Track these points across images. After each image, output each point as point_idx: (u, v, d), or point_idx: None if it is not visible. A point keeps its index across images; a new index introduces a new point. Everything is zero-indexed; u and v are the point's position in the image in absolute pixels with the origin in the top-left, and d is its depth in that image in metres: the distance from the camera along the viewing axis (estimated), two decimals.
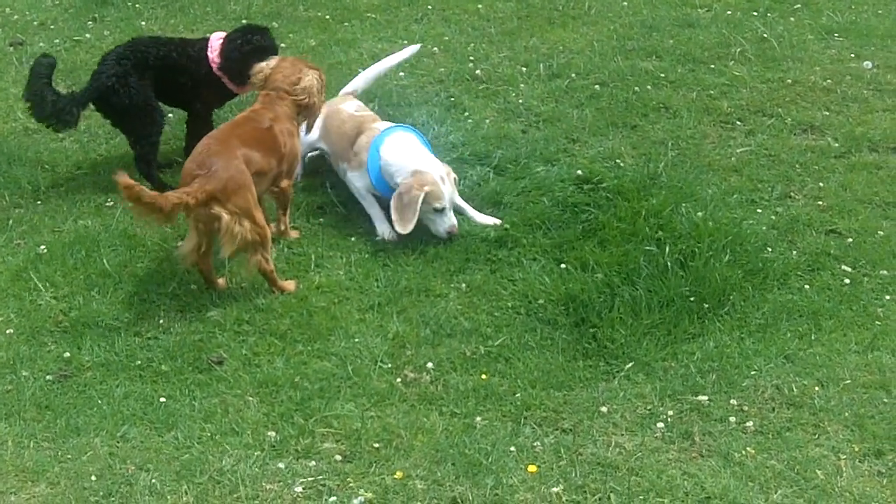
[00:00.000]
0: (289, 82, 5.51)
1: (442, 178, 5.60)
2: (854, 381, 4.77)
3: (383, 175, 5.72)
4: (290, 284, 5.35)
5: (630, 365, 4.88)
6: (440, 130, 6.47)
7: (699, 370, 4.84)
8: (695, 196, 5.88)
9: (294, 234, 5.76)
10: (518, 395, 4.72)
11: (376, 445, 4.45)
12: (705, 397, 4.69)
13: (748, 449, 4.41)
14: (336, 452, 4.42)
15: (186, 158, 5.36)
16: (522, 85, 7.14)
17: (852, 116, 6.83)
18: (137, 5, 8.34)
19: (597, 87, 7.10)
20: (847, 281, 5.41)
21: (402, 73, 7.21)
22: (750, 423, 4.54)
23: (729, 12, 8.13)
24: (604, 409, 4.64)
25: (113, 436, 4.52)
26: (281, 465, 4.35)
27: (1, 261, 5.61)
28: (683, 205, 5.73)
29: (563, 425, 4.56)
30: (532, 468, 4.30)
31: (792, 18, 8.05)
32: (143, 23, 8.08)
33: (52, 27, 8.13)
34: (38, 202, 6.11)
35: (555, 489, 4.20)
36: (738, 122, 6.77)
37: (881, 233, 5.75)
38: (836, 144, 6.54)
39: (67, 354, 4.97)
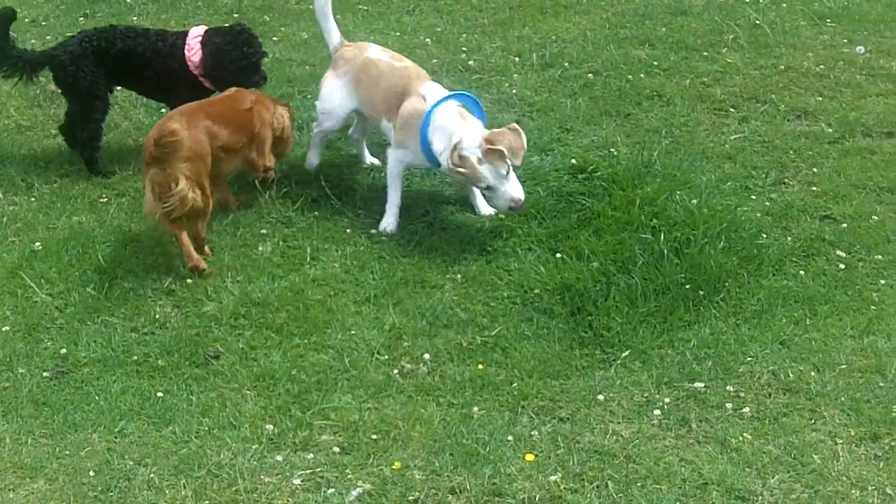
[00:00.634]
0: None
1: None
2: (850, 366, 4.78)
3: (432, 139, 5.46)
4: (203, 264, 5.36)
5: (626, 353, 4.89)
6: None
7: (695, 357, 4.85)
8: (689, 183, 5.88)
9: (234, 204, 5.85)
10: (515, 384, 4.73)
11: (374, 437, 4.45)
12: (701, 384, 4.70)
13: (745, 435, 4.42)
14: (334, 444, 4.43)
15: None
16: (516, 75, 7.13)
17: (846, 102, 6.83)
18: (129, 0, 8.32)
19: (590, 76, 7.10)
20: (842, 266, 5.42)
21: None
22: (746, 409, 4.56)
23: None
24: (601, 397, 4.65)
25: (111, 431, 4.52)
26: (279, 458, 4.36)
27: None
28: (678, 192, 5.74)
29: (561, 414, 4.57)
30: (530, 457, 4.31)
31: (784, 4, 8.04)
32: (135, 18, 8.06)
33: (43, 23, 8.10)
34: (32, 199, 6.09)
35: (552, 477, 4.21)
36: (732, 109, 6.77)
37: (875, 217, 5.76)
38: (830, 130, 6.54)
39: (64, 351, 4.97)
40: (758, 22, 7.73)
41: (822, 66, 7.20)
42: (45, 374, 4.85)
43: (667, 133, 6.48)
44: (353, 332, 5.03)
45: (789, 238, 5.61)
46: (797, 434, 4.43)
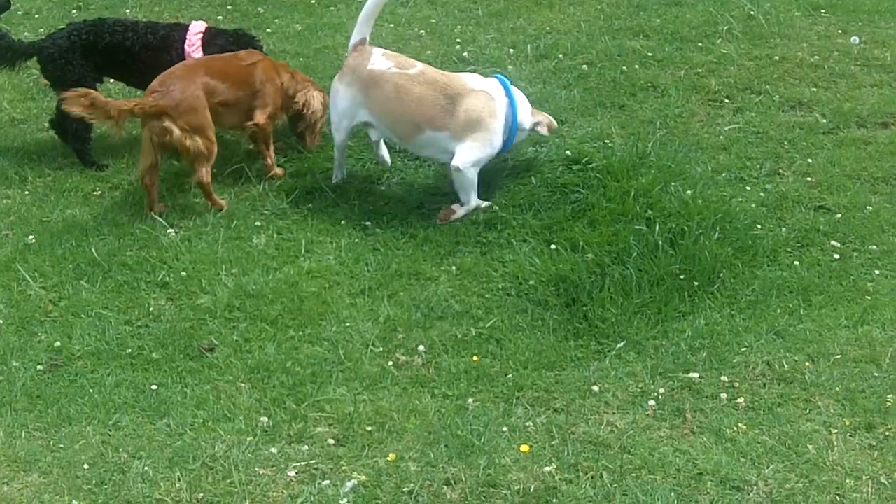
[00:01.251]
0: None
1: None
2: (844, 356, 4.79)
3: (522, 120, 5.71)
4: (222, 201, 5.81)
5: (621, 344, 4.89)
6: None
7: (690, 348, 4.85)
8: (684, 174, 5.87)
9: (279, 171, 6.05)
10: (510, 375, 4.73)
11: (369, 429, 4.45)
12: (696, 374, 4.70)
13: (740, 425, 4.43)
14: (329, 436, 4.43)
15: None
16: (510, 66, 7.11)
17: (840, 92, 6.82)
18: None
19: (584, 67, 7.09)
20: (836, 256, 5.42)
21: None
22: (741, 400, 4.56)
23: None
24: (595, 388, 4.65)
25: (105, 424, 4.52)
26: (274, 450, 4.35)
27: None
28: (673, 183, 5.73)
29: (555, 405, 4.57)
30: (524, 448, 4.31)
31: None
32: (128, 10, 8.05)
33: (36, 16, 8.09)
34: (26, 192, 6.08)
35: (547, 468, 4.21)
36: (727, 100, 6.76)
37: (870, 208, 5.76)
38: (825, 120, 6.54)
39: (58, 344, 4.96)
40: (752, 13, 7.72)
41: (816, 57, 7.19)
42: (38, 367, 4.84)
43: (661, 124, 6.47)
44: (347, 324, 5.03)
45: (784, 229, 5.61)
46: (792, 424, 4.43)
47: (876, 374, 4.68)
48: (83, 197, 6.01)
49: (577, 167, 5.88)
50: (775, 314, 5.04)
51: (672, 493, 4.10)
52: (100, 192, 6.04)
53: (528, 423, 4.45)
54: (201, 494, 4.15)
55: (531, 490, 4.12)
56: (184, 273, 5.34)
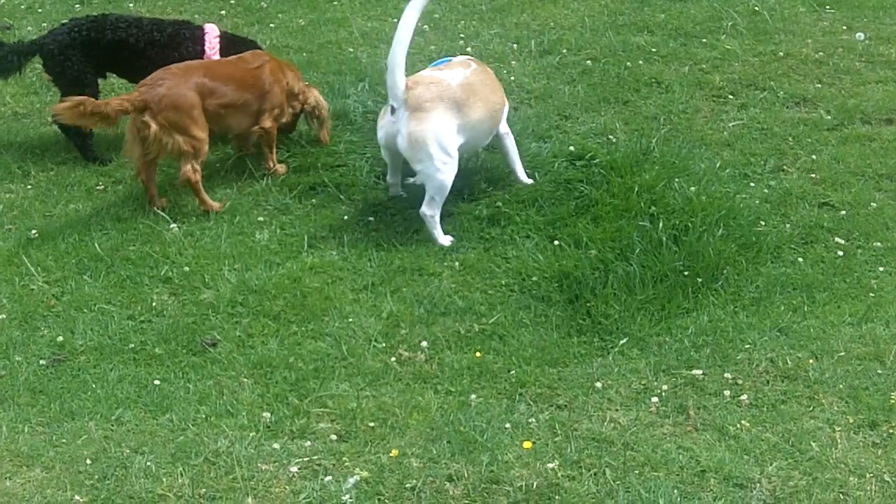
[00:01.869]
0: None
1: None
2: (848, 353, 4.78)
3: None
4: (215, 204, 5.75)
5: (624, 340, 4.88)
6: None
7: (693, 344, 4.84)
8: (688, 171, 5.86)
9: (281, 168, 6.05)
10: (513, 372, 4.72)
11: (371, 424, 4.44)
12: (700, 371, 4.69)
13: (743, 422, 4.42)
14: (331, 432, 4.42)
15: None
16: (514, 62, 7.10)
17: (845, 88, 6.81)
18: None
19: (588, 62, 7.07)
20: (840, 253, 5.41)
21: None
22: (744, 397, 4.55)
23: None
24: (598, 384, 4.64)
25: (107, 419, 4.51)
26: (276, 446, 4.35)
27: None
28: (676, 180, 5.72)
29: (558, 401, 4.57)
30: (527, 444, 4.30)
31: None
32: (132, 4, 8.04)
33: (39, 10, 8.08)
34: (29, 187, 6.08)
35: (550, 465, 4.20)
36: (731, 96, 6.75)
37: (874, 205, 5.75)
38: (829, 117, 6.52)
39: (61, 339, 4.96)
40: (757, 8, 7.70)
41: (821, 53, 7.18)
42: (41, 361, 4.84)
43: (665, 120, 6.46)
44: (350, 319, 5.02)
45: (788, 225, 5.59)
46: (795, 421, 4.42)
47: (880, 372, 4.67)
48: (86, 192, 6.01)
49: (580, 163, 5.87)
50: (779, 311, 5.03)
51: (675, 491, 4.09)
52: (103, 186, 6.04)
53: (530, 420, 4.45)
54: (204, 490, 4.15)
55: (534, 487, 4.11)
56: (186, 268, 5.34)
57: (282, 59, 6.32)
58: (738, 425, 4.40)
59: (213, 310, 5.09)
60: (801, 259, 5.36)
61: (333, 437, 4.40)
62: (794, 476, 4.16)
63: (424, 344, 4.88)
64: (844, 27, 7.52)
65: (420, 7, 5.39)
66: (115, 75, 6.53)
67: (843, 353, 4.77)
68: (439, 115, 5.36)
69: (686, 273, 5.17)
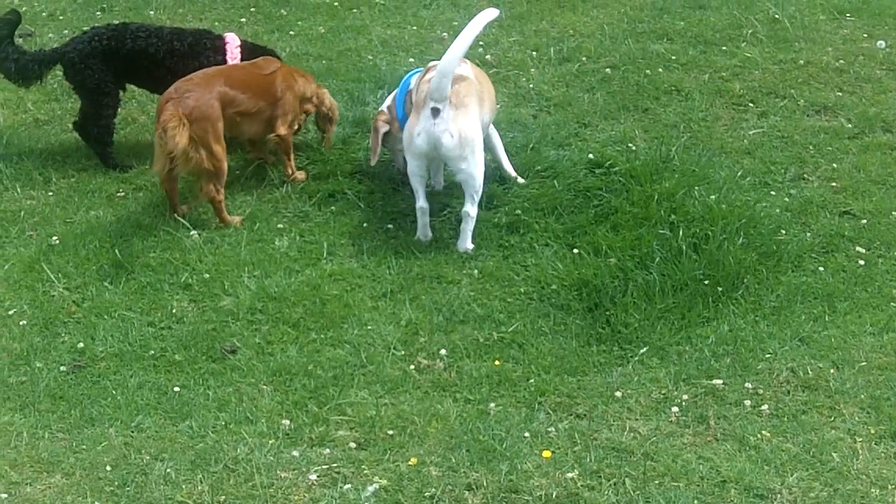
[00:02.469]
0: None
1: None
2: (869, 363, 4.75)
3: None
4: (235, 219, 5.72)
5: (644, 349, 4.86)
6: None
7: (713, 354, 4.82)
8: (708, 179, 5.85)
9: (300, 175, 6.05)
10: (532, 380, 4.71)
11: (390, 432, 4.44)
12: (720, 381, 4.67)
13: (763, 432, 4.40)
14: (350, 440, 4.42)
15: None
16: (533, 69, 7.11)
17: (865, 97, 6.78)
18: None
19: (608, 70, 7.07)
20: (861, 262, 5.38)
21: (411, 59, 7.19)
22: (765, 407, 4.53)
23: None
24: (618, 393, 4.63)
25: (127, 426, 4.53)
26: (295, 454, 4.35)
27: (14, 252, 5.61)
28: (696, 188, 5.71)
29: (578, 410, 4.55)
30: (546, 454, 4.29)
31: None
32: (152, 12, 8.07)
33: (60, 18, 8.12)
34: (50, 193, 6.11)
35: (569, 474, 4.19)
36: (751, 104, 6.73)
37: (895, 214, 5.71)
38: (850, 125, 6.49)
39: (81, 345, 4.98)
40: (777, 16, 7.67)
41: (841, 61, 7.15)
42: (62, 368, 4.86)
43: (685, 128, 6.45)
44: (369, 327, 5.02)
45: (808, 234, 5.57)
46: (816, 432, 4.40)
47: None
48: (107, 198, 6.03)
49: (599, 171, 5.86)
50: (800, 320, 5.00)
51: (695, 501, 4.07)
52: (123, 193, 6.06)
53: (550, 429, 4.44)
54: (223, 497, 4.16)
55: (553, 496, 4.10)
56: (206, 275, 5.35)
57: (292, 67, 6.32)
58: (759, 435, 4.38)
59: (233, 317, 5.11)
60: (821, 268, 5.34)
61: (352, 444, 4.40)
62: (814, 487, 4.14)
63: (443, 352, 4.88)
64: (865, 35, 7.49)
65: (488, 21, 5.45)
66: (133, 86, 6.53)
67: (864, 363, 4.75)
68: (475, 110, 5.43)
69: (706, 282, 5.16)
